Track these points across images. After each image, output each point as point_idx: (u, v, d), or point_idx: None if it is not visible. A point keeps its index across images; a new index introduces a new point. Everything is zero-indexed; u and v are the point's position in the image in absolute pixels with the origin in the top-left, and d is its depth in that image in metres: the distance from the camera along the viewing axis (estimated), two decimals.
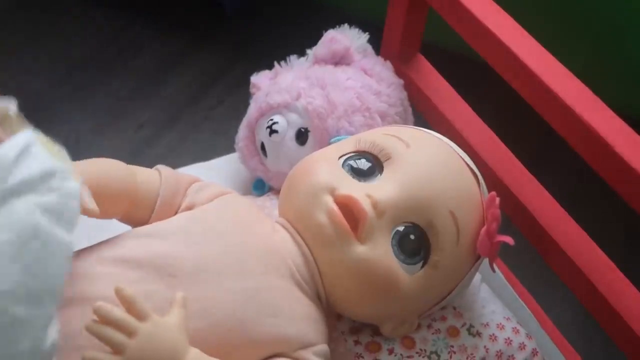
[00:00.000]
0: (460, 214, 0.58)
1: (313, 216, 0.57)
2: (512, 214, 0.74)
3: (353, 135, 0.66)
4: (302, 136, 0.76)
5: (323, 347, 0.58)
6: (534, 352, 0.67)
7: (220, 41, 1.59)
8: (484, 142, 0.78)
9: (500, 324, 0.68)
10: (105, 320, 0.48)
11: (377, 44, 0.87)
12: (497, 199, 0.60)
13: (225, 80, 1.51)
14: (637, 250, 1.22)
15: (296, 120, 0.76)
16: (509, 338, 0.67)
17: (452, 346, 0.65)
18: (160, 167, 0.63)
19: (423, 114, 0.86)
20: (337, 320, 0.65)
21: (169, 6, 1.65)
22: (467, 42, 0.73)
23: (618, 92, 1.06)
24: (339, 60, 0.80)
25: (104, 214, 0.58)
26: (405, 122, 0.80)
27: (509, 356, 0.66)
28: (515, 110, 0.93)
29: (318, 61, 0.81)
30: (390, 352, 0.64)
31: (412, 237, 0.58)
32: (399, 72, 0.83)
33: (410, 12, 0.81)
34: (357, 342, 0.64)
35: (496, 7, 0.71)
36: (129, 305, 0.49)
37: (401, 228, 0.58)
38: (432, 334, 0.65)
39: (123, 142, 1.36)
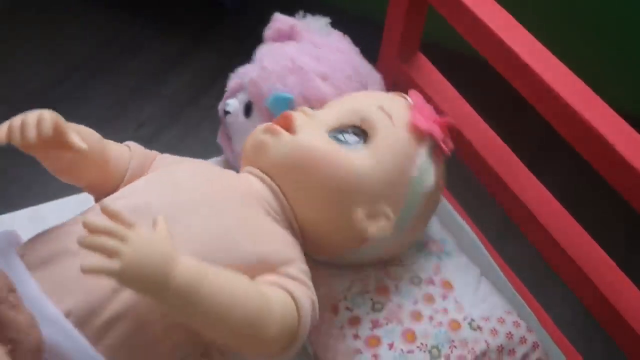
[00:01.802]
0: (387, 105, 0.66)
1: (255, 136, 0.65)
2: (512, 213, 0.74)
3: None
4: (248, 109, 0.78)
5: (303, 265, 0.61)
6: (535, 346, 0.67)
7: (220, 41, 1.58)
8: (484, 140, 0.78)
9: (501, 317, 0.68)
10: (96, 230, 0.48)
11: (377, 43, 0.87)
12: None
13: (226, 79, 1.50)
14: (637, 250, 1.22)
15: (243, 97, 0.78)
16: (510, 332, 0.67)
17: (453, 340, 0.65)
18: (129, 142, 0.67)
19: None
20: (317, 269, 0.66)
21: (169, 6, 1.65)
22: (467, 41, 0.73)
23: (618, 91, 1.06)
24: (288, 38, 0.81)
25: (73, 177, 0.62)
26: (368, 84, 0.79)
27: (510, 350, 0.66)
28: (516, 109, 0.92)
29: (267, 41, 0.82)
30: (390, 346, 0.64)
31: (348, 129, 0.65)
32: (399, 71, 0.83)
33: (410, 11, 0.81)
34: (356, 337, 0.64)
35: (496, 6, 0.71)
36: (116, 218, 0.50)
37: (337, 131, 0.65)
38: (434, 327, 0.65)
39: (123, 141, 1.35)
